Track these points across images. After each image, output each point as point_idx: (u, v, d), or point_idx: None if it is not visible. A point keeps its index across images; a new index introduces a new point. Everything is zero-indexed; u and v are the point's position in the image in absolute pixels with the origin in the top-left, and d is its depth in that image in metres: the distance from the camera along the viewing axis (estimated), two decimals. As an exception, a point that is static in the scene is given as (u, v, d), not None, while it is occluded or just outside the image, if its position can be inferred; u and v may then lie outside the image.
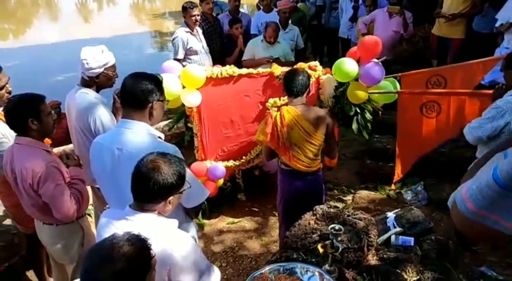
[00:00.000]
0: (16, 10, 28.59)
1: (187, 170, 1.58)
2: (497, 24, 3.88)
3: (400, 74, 3.15)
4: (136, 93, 1.76)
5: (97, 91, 2.50)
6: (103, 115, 2.40)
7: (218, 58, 4.87)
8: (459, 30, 4.63)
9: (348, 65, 2.85)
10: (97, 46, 2.48)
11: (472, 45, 4.51)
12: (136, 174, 1.42)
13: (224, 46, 5.10)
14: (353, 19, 5.82)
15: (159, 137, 1.86)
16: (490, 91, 2.60)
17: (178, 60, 4.44)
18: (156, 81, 1.84)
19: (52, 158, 2.03)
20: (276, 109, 2.79)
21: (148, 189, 1.40)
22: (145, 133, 1.79)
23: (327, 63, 7.18)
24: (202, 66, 4.45)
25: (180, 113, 3.45)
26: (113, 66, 2.49)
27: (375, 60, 2.92)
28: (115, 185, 1.78)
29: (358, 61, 2.95)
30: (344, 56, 6.30)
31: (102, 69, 2.41)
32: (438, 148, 3.47)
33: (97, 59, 2.37)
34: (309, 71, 3.16)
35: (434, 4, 4.96)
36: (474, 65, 2.92)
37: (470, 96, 2.77)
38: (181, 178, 1.46)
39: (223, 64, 4.75)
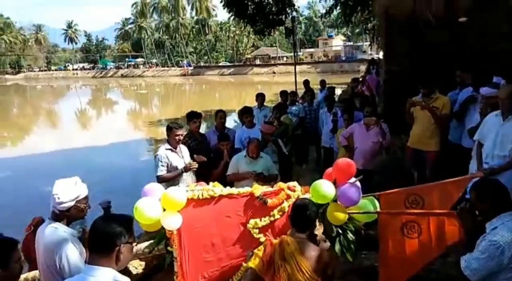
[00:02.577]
0: (18, 118, 29.82)
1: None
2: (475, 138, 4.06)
3: (378, 193, 3.18)
4: (103, 238, 1.76)
5: (68, 224, 2.50)
6: (70, 252, 2.37)
7: (204, 172, 4.97)
8: (433, 143, 4.84)
9: (324, 187, 2.89)
10: (71, 178, 2.54)
11: (449, 156, 4.66)
12: None
13: (211, 160, 5.24)
14: (334, 131, 6.16)
15: None
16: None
17: (159, 177, 4.53)
18: (126, 223, 1.85)
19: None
20: (271, 236, 2.76)
21: None
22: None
23: (312, 171, 7.44)
24: (184, 184, 4.55)
25: (160, 235, 3.37)
26: (85, 198, 2.53)
27: (352, 180, 2.97)
28: None
29: (334, 183, 2.99)
30: (326, 165, 6.55)
31: (73, 202, 2.44)
32: (427, 266, 3.35)
33: (68, 193, 2.40)
34: (288, 192, 3.22)
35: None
36: (449, 185, 2.97)
37: (448, 216, 2.76)
38: None
39: (210, 177, 4.88)
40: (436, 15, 5.51)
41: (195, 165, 4.66)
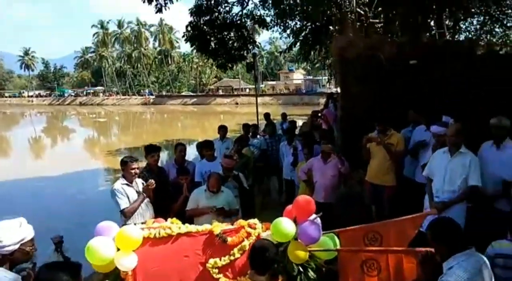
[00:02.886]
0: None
1: None
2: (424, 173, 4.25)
3: (338, 230, 3.20)
4: None
5: (11, 268, 2.33)
6: None
7: (163, 207, 4.82)
8: (390, 178, 5.01)
9: (285, 225, 2.88)
10: (15, 219, 2.38)
11: (404, 191, 4.82)
12: None
13: (170, 194, 5.11)
14: (294, 164, 6.24)
15: None
16: (422, 249, 2.66)
17: (123, 211, 4.36)
18: (73, 272, 1.74)
19: None
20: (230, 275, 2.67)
21: None
22: None
23: (274, 203, 7.46)
24: (141, 218, 4.39)
25: (114, 276, 3.19)
26: (31, 241, 2.38)
27: (312, 217, 2.97)
28: None
29: (295, 220, 2.99)
30: (288, 196, 6.60)
31: (17, 246, 2.28)
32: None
33: (12, 235, 2.25)
34: (249, 229, 3.17)
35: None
36: (405, 222, 3.04)
37: (405, 254, 2.82)
38: None
39: (169, 212, 4.74)
40: (389, 57, 5.86)
41: (153, 184, 4.54)
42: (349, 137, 6.15)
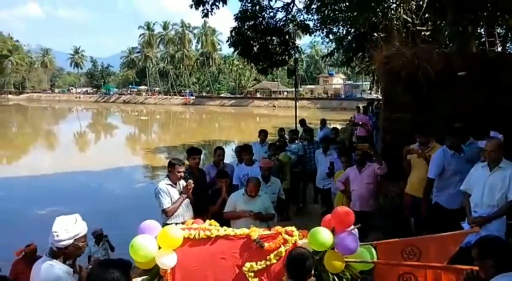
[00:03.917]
0: (15, 137, 29.83)
1: None
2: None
3: (375, 242, 3.18)
4: None
5: (64, 261, 2.50)
6: None
7: (202, 208, 4.97)
8: (431, 190, 4.87)
9: (322, 235, 2.90)
10: (71, 216, 2.55)
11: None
12: None
13: (207, 196, 5.25)
14: (330, 174, 6.21)
15: None
16: (464, 267, 2.60)
17: (165, 210, 4.53)
18: (123, 269, 1.86)
19: None
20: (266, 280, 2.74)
21: None
22: None
23: (309, 210, 7.46)
24: (182, 218, 4.54)
25: (153, 273, 3.33)
26: (84, 236, 2.54)
27: (350, 228, 2.98)
28: None
29: (333, 230, 3.00)
30: (322, 205, 6.55)
31: (72, 241, 2.45)
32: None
33: (68, 230, 2.42)
34: (286, 236, 3.21)
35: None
36: (446, 238, 2.97)
37: (445, 270, 2.76)
38: None
39: (207, 213, 4.88)
40: (436, 67, 5.71)
41: (192, 184, 4.68)
42: (391, 149, 6.03)
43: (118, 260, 1.94)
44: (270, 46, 12.87)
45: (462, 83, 5.68)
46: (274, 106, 58.16)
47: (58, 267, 2.43)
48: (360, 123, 11.46)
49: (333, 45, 15.39)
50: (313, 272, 3.09)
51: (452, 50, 7.93)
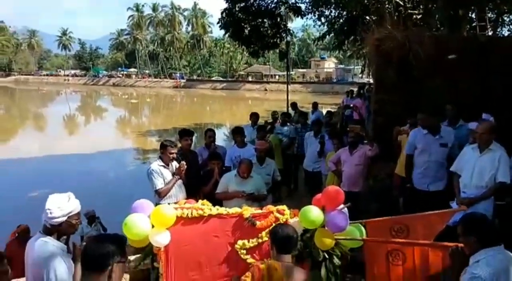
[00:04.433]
0: (4, 120, 29.41)
1: None
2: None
3: (365, 220, 3.26)
4: (96, 259, 1.81)
5: (58, 238, 2.53)
6: (58, 267, 2.39)
7: (194, 189, 5.01)
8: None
9: (313, 213, 2.96)
10: (64, 194, 2.57)
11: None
12: None
13: (200, 177, 5.29)
14: (320, 154, 6.26)
15: None
16: (450, 244, 2.69)
17: (158, 191, 4.56)
18: (118, 243, 1.90)
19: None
20: (260, 262, 2.80)
21: None
22: None
23: (300, 192, 7.53)
24: (175, 198, 4.58)
25: (147, 251, 3.38)
26: (77, 214, 2.56)
27: (340, 207, 3.04)
28: None
29: (323, 209, 3.06)
30: (310, 188, 6.61)
31: (65, 218, 2.47)
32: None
33: (61, 208, 2.44)
34: (277, 215, 3.28)
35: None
36: (433, 216, 3.06)
37: (432, 247, 2.85)
38: None
39: (199, 194, 4.92)
40: (427, 51, 5.75)
41: (184, 165, 4.72)
42: (382, 130, 6.09)
43: (113, 234, 1.97)
44: (261, 29, 12.79)
45: (453, 67, 5.73)
46: (266, 90, 57.98)
47: (52, 243, 2.46)
48: (351, 105, 11.53)
49: (325, 28, 15.32)
50: (304, 249, 3.18)
51: (443, 33, 7.96)
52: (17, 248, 4.34)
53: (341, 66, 68.90)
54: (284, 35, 13.50)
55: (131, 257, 4.11)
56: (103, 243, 1.85)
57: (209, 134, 6.01)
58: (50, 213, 2.43)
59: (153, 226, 3.11)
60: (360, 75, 50.79)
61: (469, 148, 4.05)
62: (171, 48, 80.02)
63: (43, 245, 2.44)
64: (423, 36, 6.22)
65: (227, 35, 14.28)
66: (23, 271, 3.28)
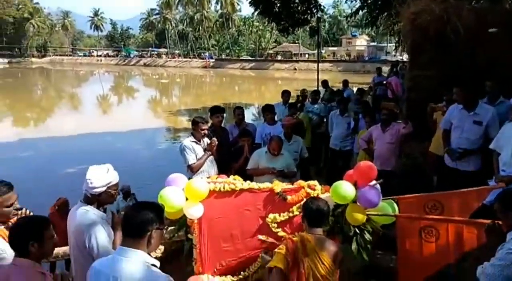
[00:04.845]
0: (41, 100, 30.56)
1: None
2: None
3: (397, 197, 3.22)
4: (136, 224, 1.89)
5: (98, 207, 2.65)
6: (99, 233, 2.51)
7: (225, 165, 5.09)
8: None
9: (345, 188, 2.95)
10: (103, 165, 2.67)
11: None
12: None
13: (231, 153, 5.36)
14: (355, 131, 6.18)
15: (154, 265, 1.91)
16: (486, 221, 2.63)
17: (190, 166, 4.66)
18: (157, 211, 1.97)
19: (46, 282, 2.06)
20: (292, 235, 2.86)
21: None
22: (140, 262, 1.88)
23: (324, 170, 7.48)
24: (206, 174, 4.67)
25: (181, 223, 3.49)
26: (116, 185, 2.67)
27: (372, 183, 3.02)
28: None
29: (355, 184, 3.05)
30: (332, 167, 6.54)
31: (104, 188, 2.58)
32: (443, 270, 3.39)
33: (101, 179, 2.55)
34: (308, 190, 3.29)
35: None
36: (469, 194, 3.00)
37: (467, 224, 2.80)
38: None
39: (230, 170, 5.00)
40: (466, 24, 5.48)
41: (215, 141, 4.78)
42: (416, 108, 5.90)
43: (152, 202, 2.05)
44: (292, 4, 12.51)
45: (494, 40, 5.44)
46: (295, 69, 57.22)
47: (92, 212, 2.59)
48: (384, 82, 11.24)
49: (358, 3, 14.81)
50: (335, 224, 3.20)
51: (483, 5, 7.55)
52: (58, 220, 4.57)
53: (373, 43, 66.83)
54: (315, 11, 13.17)
55: (166, 230, 4.28)
56: (143, 210, 1.92)
57: (238, 112, 6.04)
58: (91, 183, 2.54)
59: (187, 199, 3.21)
60: (394, 53, 49.14)
61: (510, 125, 3.88)
62: (200, 28, 79.90)
63: (84, 213, 2.57)
64: (462, 8, 5.90)
65: (256, 13, 14.08)
66: (63, 241, 3.48)
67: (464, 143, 4.41)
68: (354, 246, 3.13)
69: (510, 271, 2.25)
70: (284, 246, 2.66)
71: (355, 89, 12.16)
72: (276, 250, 2.77)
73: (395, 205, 3.22)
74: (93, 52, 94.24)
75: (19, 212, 2.48)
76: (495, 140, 3.98)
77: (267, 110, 6.03)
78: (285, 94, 7.64)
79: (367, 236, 3.15)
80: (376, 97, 11.23)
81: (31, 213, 2.50)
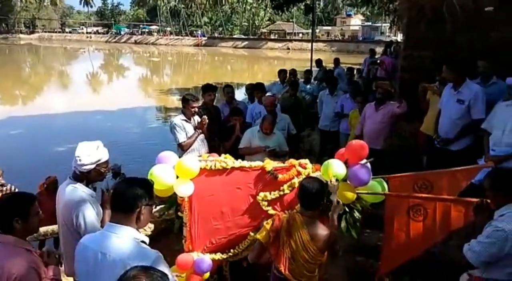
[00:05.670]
0: (30, 77, 30.00)
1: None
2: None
3: (387, 175, 3.23)
4: (126, 199, 1.86)
5: (87, 185, 2.62)
6: (87, 211, 2.49)
7: (217, 144, 5.06)
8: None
9: (335, 166, 2.95)
10: (93, 142, 2.62)
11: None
12: None
13: (222, 132, 5.32)
14: (341, 116, 6.16)
15: (143, 241, 1.90)
16: (474, 200, 2.66)
17: (181, 144, 4.62)
18: (147, 187, 1.94)
19: (32, 258, 2.05)
20: (282, 213, 2.88)
21: None
22: (129, 238, 1.85)
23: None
24: (197, 152, 4.64)
25: (171, 201, 3.48)
26: (106, 162, 2.63)
27: (363, 161, 3.02)
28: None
29: (346, 163, 3.05)
30: (323, 146, 6.53)
31: (94, 165, 2.54)
32: (429, 249, 3.44)
33: (90, 156, 2.50)
34: (299, 168, 3.28)
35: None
36: (458, 172, 3.01)
37: (455, 203, 2.82)
38: None
39: (222, 149, 4.98)
40: (462, 3, 5.40)
41: (206, 120, 4.73)
42: (409, 87, 5.86)
43: (142, 179, 2.02)
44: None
45: (490, 20, 5.39)
46: (288, 49, 56.62)
47: (81, 189, 2.56)
48: (378, 62, 11.19)
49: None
50: (325, 202, 3.21)
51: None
52: (46, 198, 4.53)
53: (368, 23, 66.21)
54: (310, -13, 12.96)
55: (156, 208, 4.27)
56: (133, 185, 1.90)
57: (227, 90, 5.99)
58: (80, 160, 2.49)
59: (177, 177, 3.19)
60: (388, 34, 48.78)
61: (503, 105, 3.88)
62: (193, 4, 78.18)
63: (73, 190, 2.54)
64: (458, -15, 5.83)
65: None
66: (51, 219, 3.47)
67: (446, 122, 4.42)
68: (343, 224, 3.15)
69: (495, 248, 2.29)
70: (271, 221, 2.68)
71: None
72: (263, 223, 2.81)
73: (385, 183, 3.24)
74: (82, 28, 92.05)
75: (4, 188, 2.45)
76: (487, 120, 4.01)
77: (257, 89, 5.98)
78: (282, 73, 7.60)
79: (357, 214, 3.17)
80: (372, 78, 11.19)
81: (16, 189, 2.47)
